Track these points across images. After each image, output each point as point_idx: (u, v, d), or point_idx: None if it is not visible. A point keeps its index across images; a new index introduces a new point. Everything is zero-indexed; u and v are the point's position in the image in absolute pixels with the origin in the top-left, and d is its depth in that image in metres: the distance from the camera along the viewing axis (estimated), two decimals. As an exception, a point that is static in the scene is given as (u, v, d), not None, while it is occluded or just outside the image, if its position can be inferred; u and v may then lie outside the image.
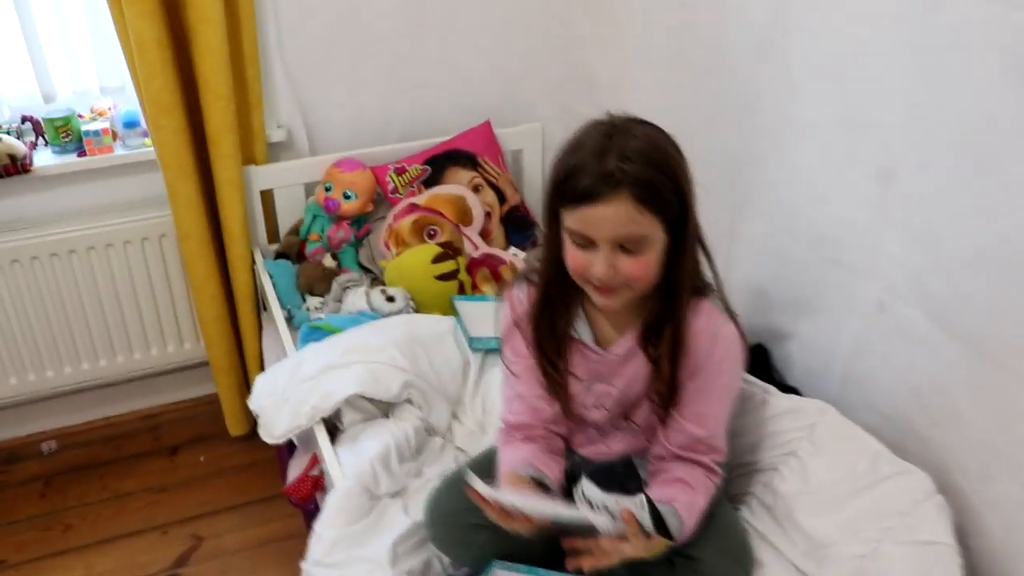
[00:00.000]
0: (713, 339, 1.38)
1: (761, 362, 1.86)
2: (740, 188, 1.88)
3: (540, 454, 1.46)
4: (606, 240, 1.27)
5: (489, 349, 1.96)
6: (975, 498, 1.48)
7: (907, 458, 1.52)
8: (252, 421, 2.54)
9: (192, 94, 2.21)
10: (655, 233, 1.28)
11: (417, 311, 2.15)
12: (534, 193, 2.69)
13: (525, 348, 1.47)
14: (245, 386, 2.51)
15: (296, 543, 2.15)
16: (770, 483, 1.58)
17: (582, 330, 1.45)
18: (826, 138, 1.63)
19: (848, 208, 1.61)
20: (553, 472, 1.45)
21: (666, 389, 1.40)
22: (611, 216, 1.24)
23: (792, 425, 1.60)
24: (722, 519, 1.47)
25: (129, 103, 2.33)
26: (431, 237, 2.31)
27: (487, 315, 2.06)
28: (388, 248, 2.33)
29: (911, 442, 1.58)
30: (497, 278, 2.35)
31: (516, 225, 2.52)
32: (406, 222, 2.32)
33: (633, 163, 1.24)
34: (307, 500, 1.80)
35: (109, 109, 2.40)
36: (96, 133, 2.30)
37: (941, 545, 1.40)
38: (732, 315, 1.43)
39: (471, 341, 1.95)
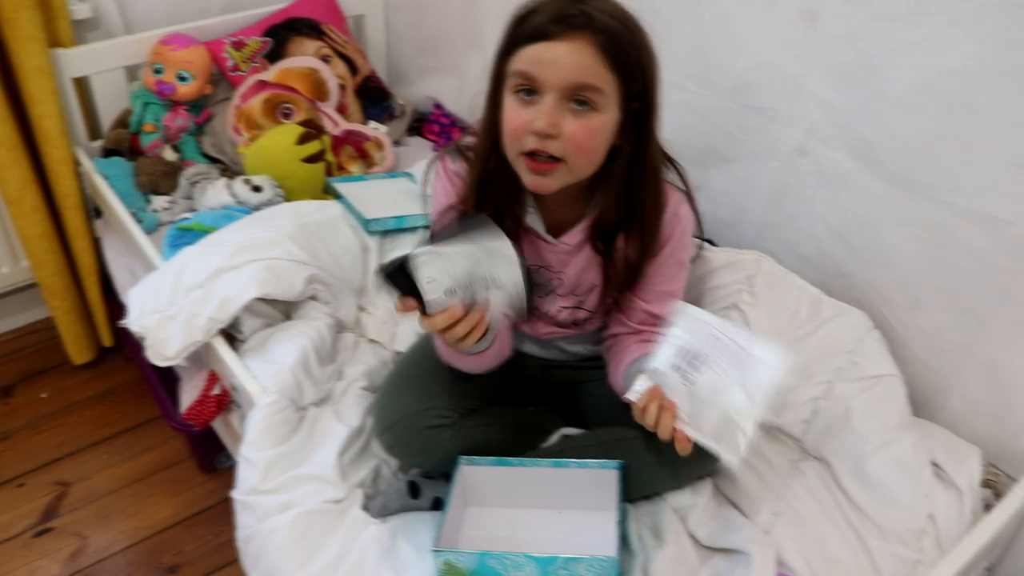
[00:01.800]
0: (672, 220, 1.31)
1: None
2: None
3: None
4: (555, 87, 1.11)
5: (387, 230, 1.80)
6: (901, 329, 1.53)
7: (833, 298, 1.55)
8: (98, 345, 2.25)
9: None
10: (609, 95, 1.14)
11: (287, 199, 1.93)
12: (380, 62, 2.48)
13: None
14: (83, 306, 2.19)
15: (181, 469, 1.97)
16: (714, 339, 1.56)
17: (531, 218, 1.31)
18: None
19: (769, 53, 1.56)
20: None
21: (623, 281, 1.32)
22: (567, 56, 1.10)
23: (731, 279, 1.58)
24: None
25: None
26: (286, 117, 2.07)
27: (373, 195, 1.91)
28: (239, 133, 2.07)
29: (835, 282, 1.61)
30: (363, 155, 2.16)
31: (371, 97, 2.31)
32: (256, 102, 2.06)
33: (601, 12, 1.11)
34: (207, 424, 1.60)
35: None
36: None
37: (889, 377, 1.45)
38: (688, 193, 1.35)
39: (367, 224, 1.77)
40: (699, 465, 1.35)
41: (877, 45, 1.40)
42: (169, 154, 2.06)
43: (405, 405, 1.34)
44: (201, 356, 1.60)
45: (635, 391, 1.15)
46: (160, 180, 2.02)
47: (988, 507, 1.37)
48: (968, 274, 1.41)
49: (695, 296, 1.59)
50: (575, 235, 1.31)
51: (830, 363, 1.47)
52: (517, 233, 1.30)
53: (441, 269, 1.09)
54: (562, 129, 1.14)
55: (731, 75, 1.64)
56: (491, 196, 1.28)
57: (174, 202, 1.99)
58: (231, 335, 1.58)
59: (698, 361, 1.14)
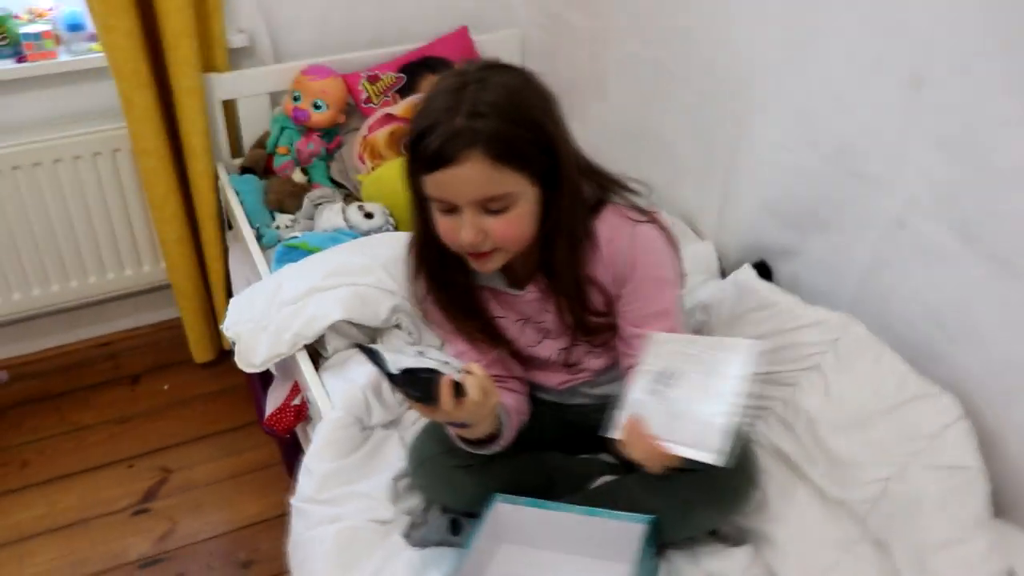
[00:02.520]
0: (630, 240, 1.29)
1: (763, 280, 1.78)
2: (747, 97, 1.76)
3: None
4: (467, 203, 1.15)
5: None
6: (995, 421, 1.43)
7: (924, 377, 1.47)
8: (218, 347, 2.42)
9: (144, -7, 2.01)
10: (520, 188, 1.17)
11: (397, 228, 2.02)
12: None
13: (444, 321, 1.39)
14: (210, 310, 2.36)
15: (271, 473, 2.08)
16: (790, 398, 1.51)
17: (490, 279, 1.34)
18: (851, 43, 1.51)
19: (873, 117, 1.51)
20: (511, 401, 1.38)
21: (586, 322, 1.33)
22: (466, 178, 1.12)
23: (816, 338, 1.52)
24: None
25: (69, 3, 2.11)
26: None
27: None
28: (362, 161, 2.18)
29: (928, 363, 1.51)
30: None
31: (496, 139, 2.37)
32: (382, 133, 2.17)
33: (484, 118, 1.11)
34: (288, 431, 1.69)
35: (49, 10, 2.18)
36: (36, 36, 2.09)
37: (969, 470, 1.35)
38: (645, 211, 1.32)
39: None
40: (715, 505, 1.32)
41: (984, 117, 1.33)
42: (298, 176, 2.20)
43: (434, 446, 1.38)
44: (288, 367, 1.69)
45: (614, 428, 1.16)
46: (286, 199, 2.15)
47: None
48: (1069, 369, 1.31)
49: (773, 347, 1.54)
50: (539, 282, 1.33)
51: (908, 445, 1.38)
52: (479, 298, 1.36)
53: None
54: (488, 232, 1.18)
55: (834, 138, 1.59)
56: (440, 283, 1.35)
57: (296, 221, 2.12)
58: (318, 352, 1.67)
59: (671, 379, 1.17)
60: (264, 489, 2.03)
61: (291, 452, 1.98)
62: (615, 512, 1.29)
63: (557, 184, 1.20)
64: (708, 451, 1.11)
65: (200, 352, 2.39)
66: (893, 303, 1.57)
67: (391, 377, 1.13)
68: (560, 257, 1.26)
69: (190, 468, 2.10)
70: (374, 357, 1.13)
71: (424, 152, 1.13)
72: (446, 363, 1.18)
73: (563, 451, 1.49)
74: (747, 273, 1.72)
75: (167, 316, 2.51)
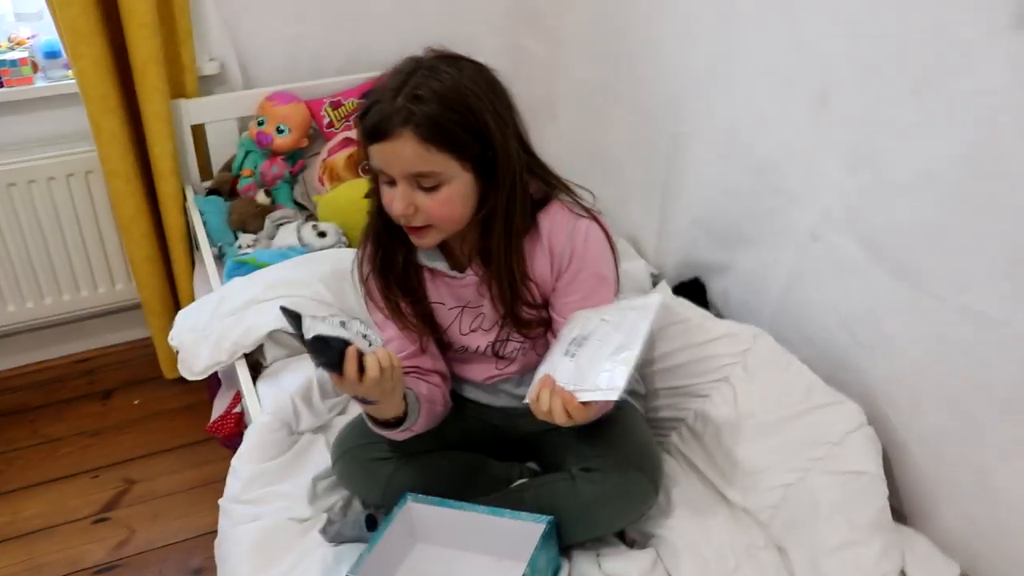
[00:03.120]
0: (570, 235, 1.34)
1: (698, 297, 1.82)
2: (682, 116, 1.82)
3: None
4: (399, 176, 1.23)
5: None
6: (903, 431, 1.45)
7: (839, 390, 1.50)
8: (188, 363, 2.48)
9: (115, 23, 2.11)
10: (450, 171, 1.23)
11: (350, 247, 2.08)
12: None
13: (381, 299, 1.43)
14: (180, 328, 2.43)
15: (230, 485, 2.13)
16: (701, 410, 1.55)
17: (431, 258, 1.39)
18: (765, 59, 1.57)
19: (788, 132, 1.56)
20: (424, 391, 1.40)
21: (518, 313, 1.38)
22: (397, 152, 1.20)
23: (726, 351, 1.56)
24: (624, 429, 1.42)
25: (49, 32, 2.22)
26: (366, 172, 2.23)
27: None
28: (322, 183, 2.26)
29: (843, 373, 1.55)
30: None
31: (458, 162, 2.45)
32: (340, 156, 2.25)
33: (422, 102, 1.18)
34: (231, 438, 1.75)
35: (29, 39, 2.29)
36: (13, 63, 2.20)
37: (867, 475, 1.38)
38: (588, 210, 1.38)
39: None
40: (615, 507, 1.35)
41: (880, 129, 1.37)
42: (261, 197, 2.28)
43: (356, 438, 1.44)
44: (231, 375, 1.76)
45: (529, 391, 1.22)
46: (249, 220, 2.23)
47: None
48: (964, 376, 1.33)
49: (687, 365, 1.59)
50: (478, 266, 1.37)
51: (810, 451, 1.41)
52: (420, 278, 1.41)
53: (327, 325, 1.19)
54: (419, 207, 1.25)
55: (756, 154, 1.64)
56: (384, 255, 1.40)
57: (257, 240, 2.20)
58: (258, 361, 1.73)
59: (584, 340, 1.24)
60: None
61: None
62: (517, 512, 1.33)
63: (494, 174, 1.26)
64: (607, 390, 1.16)
65: (169, 368, 2.46)
66: (811, 314, 1.60)
67: (303, 341, 1.17)
68: (495, 244, 1.32)
69: (152, 479, 2.16)
70: (294, 320, 1.17)
71: (365, 126, 1.22)
72: (364, 336, 1.22)
73: (479, 449, 1.53)
74: (663, 290, 1.77)
75: (142, 335, 2.59)
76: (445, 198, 1.25)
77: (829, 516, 1.34)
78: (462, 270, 1.39)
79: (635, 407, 1.55)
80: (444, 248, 1.39)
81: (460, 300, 1.42)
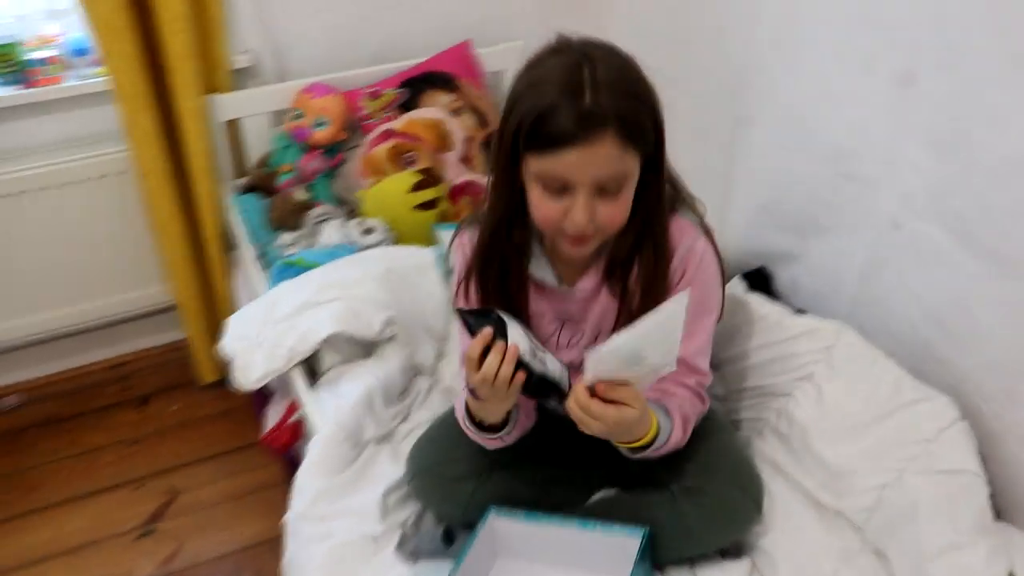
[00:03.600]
0: (689, 252, 1.27)
1: (763, 287, 1.75)
2: (744, 99, 1.75)
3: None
4: (587, 184, 1.13)
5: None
6: (996, 423, 1.39)
7: (926, 383, 1.43)
8: (224, 367, 2.42)
9: (147, 17, 2.03)
10: (634, 170, 1.15)
11: (397, 243, 2.01)
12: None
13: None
14: (216, 330, 2.36)
15: (276, 493, 2.06)
16: (784, 409, 1.49)
17: (542, 271, 1.31)
18: (839, 40, 1.49)
19: (864, 116, 1.48)
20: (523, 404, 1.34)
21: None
22: (596, 159, 1.10)
23: (808, 347, 1.49)
24: (724, 447, 1.37)
25: (78, 29, 2.14)
26: (409, 164, 2.16)
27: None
28: (364, 178, 2.19)
29: (928, 365, 1.48)
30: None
31: (499, 152, 2.37)
32: (382, 149, 2.17)
33: (612, 96, 1.09)
34: (286, 449, 1.68)
35: (57, 36, 2.22)
36: (42, 62, 2.12)
37: (967, 474, 1.32)
38: (706, 229, 1.31)
39: (448, 273, 1.82)
40: (719, 528, 1.30)
41: (974, 112, 1.30)
42: (301, 194, 2.20)
43: (433, 455, 1.38)
44: (287, 386, 1.69)
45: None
46: (289, 217, 2.16)
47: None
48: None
49: (766, 363, 1.52)
50: (590, 279, 1.30)
51: (904, 450, 1.35)
52: (526, 290, 1.32)
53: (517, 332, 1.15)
54: (597, 215, 1.16)
55: (825, 138, 1.57)
56: (498, 261, 1.29)
57: (299, 239, 2.12)
58: (313, 368, 1.66)
59: None
60: (267, 510, 2.02)
61: (292, 472, 1.98)
62: (610, 526, 1.27)
63: (655, 166, 1.18)
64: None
65: (206, 372, 2.40)
66: (891, 305, 1.53)
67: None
68: (646, 254, 1.25)
69: (197, 488, 2.11)
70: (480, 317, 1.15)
71: (548, 132, 1.10)
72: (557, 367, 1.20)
73: (561, 462, 1.47)
74: (736, 287, 1.70)
75: (175, 337, 2.52)
76: (623, 202, 1.16)
77: (930, 518, 1.28)
78: (572, 284, 1.31)
79: (727, 423, 1.48)
80: (552, 260, 1.30)
81: (562, 315, 1.35)
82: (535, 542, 1.32)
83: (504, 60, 2.49)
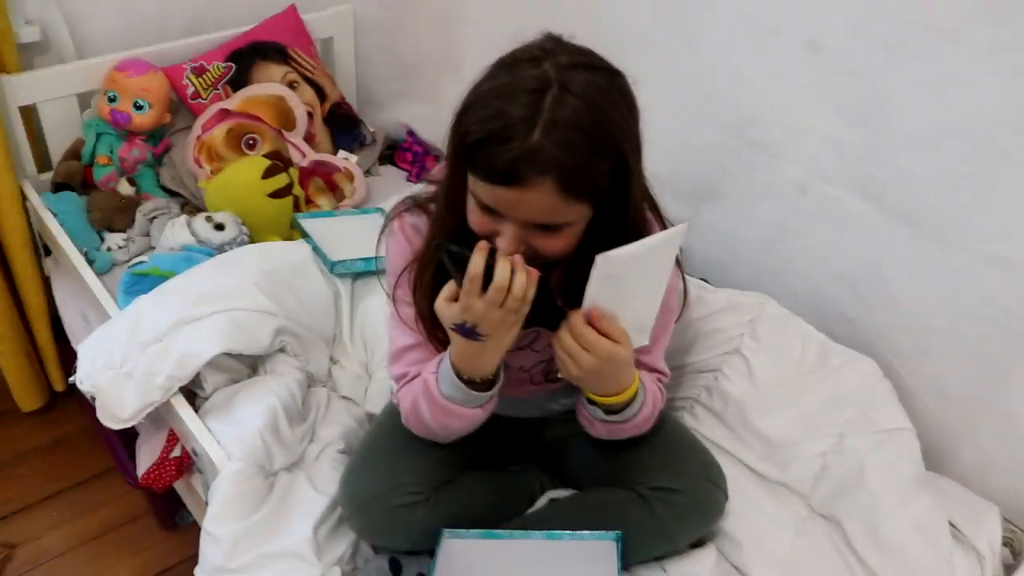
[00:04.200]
0: None
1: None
2: (634, 68, 1.68)
3: None
4: (517, 222, 1.02)
5: (357, 273, 1.68)
6: (909, 378, 1.46)
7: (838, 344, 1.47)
8: (48, 391, 2.11)
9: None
10: (581, 215, 1.04)
11: (251, 238, 1.81)
12: (350, 87, 2.36)
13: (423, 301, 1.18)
14: (33, 349, 2.04)
15: (138, 528, 1.84)
16: (714, 386, 1.48)
17: None
18: (745, 11, 1.46)
19: (770, 85, 1.47)
20: None
21: None
22: (529, 203, 0.99)
23: (731, 322, 1.49)
24: (682, 440, 1.33)
25: None
26: (250, 147, 1.95)
27: (343, 233, 1.79)
28: (200, 165, 1.94)
29: (838, 327, 1.52)
30: (333, 188, 2.04)
31: (341, 125, 2.19)
32: (218, 132, 1.94)
33: (562, 143, 0.95)
34: (169, 487, 1.47)
35: None
36: None
37: (903, 431, 1.37)
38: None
39: (332, 266, 1.66)
40: (693, 524, 1.27)
41: (888, 80, 1.32)
42: (124, 188, 1.93)
43: (373, 484, 1.23)
44: (160, 414, 1.47)
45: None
46: (115, 216, 1.88)
47: (1008, 568, 1.29)
48: (982, 320, 1.33)
49: (691, 338, 1.51)
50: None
51: (840, 415, 1.38)
52: None
53: None
54: (533, 246, 1.04)
55: (729, 108, 1.55)
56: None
57: (130, 240, 1.86)
58: (192, 392, 1.45)
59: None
60: (132, 547, 1.79)
61: (161, 499, 1.76)
62: (579, 532, 1.20)
63: (618, 208, 1.06)
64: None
65: (26, 399, 2.06)
66: (800, 270, 1.56)
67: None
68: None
69: (38, 538, 1.80)
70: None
71: (487, 161, 0.97)
72: None
73: (504, 468, 1.38)
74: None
75: (-23, 361, 2.16)
76: (564, 238, 1.04)
77: (877, 478, 1.31)
78: None
79: (671, 413, 1.43)
80: None
81: None
82: (498, 560, 1.23)
83: (334, 25, 2.30)
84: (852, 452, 1.34)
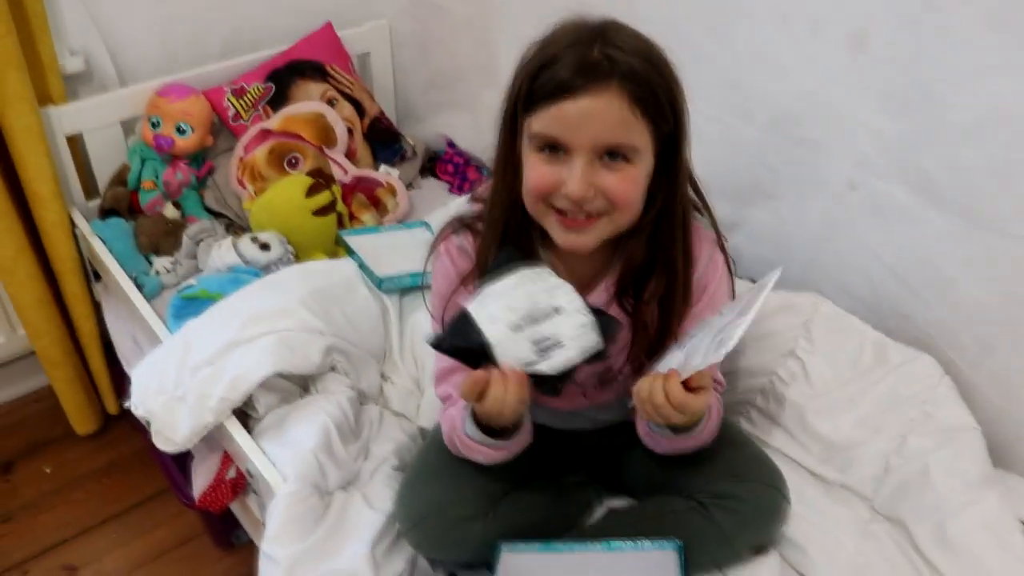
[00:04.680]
0: (710, 261, 1.19)
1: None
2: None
3: None
4: (586, 146, 1.00)
5: (404, 288, 1.68)
6: (972, 373, 1.41)
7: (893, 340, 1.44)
8: (102, 414, 2.14)
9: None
10: (645, 146, 1.03)
11: (297, 257, 1.82)
12: (388, 101, 2.37)
13: None
14: (87, 374, 2.07)
15: (197, 546, 1.86)
16: (770, 389, 1.45)
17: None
18: (785, 6, 1.43)
19: (813, 81, 1.45)
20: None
21: (654, 341, 1.18)
22: (597, 112, 0.98)
23: (785, 324, 1.46)
24: (743, 446, 1.31)
25: None
26: (292, 166, 1.96)
27: (388, 248, 1.79)
28: (243, 186, 1.96)
29: (893, 323, 1.49)
30: (376, 203, 2.04)
31: (380, 140, 2.19)
32: (260, 152, 1.95)
33: (625, 53, 0.98)
34: (225, 508, 1.48)
35: None
36: None
37: (967, 428, 1.33)
38: (720, 238, 1.23)
39: (379, 282, 1.66)
40: (755, 531, 1.24)
41: (937, 70, 1.29)
42: (170, 211, 1.95)
43: (429, 498, 1.23)
44: (214, 435, 1.48)
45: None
46: (161, 240, 1.90)
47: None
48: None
49: (745, 342, 1.47)
50: (600, 294, 1.18)
51: (902, 415, 1.35)
52: None
53: (500, 306, 1.02)
54: (600, 187, 1.03)
55: (772, 106, 1.53)
56: (518, 243, 1.15)
57: (177, 263, 1.88)
58: (245, 413, 1.46)
59: (698, 331, 1.06)
60: (190, 567, 1.81)
61: (217, 519, 1.76)
62: (638, 542, 1.18)
63: (673, 160, 1.06)
64: (714, 353, 1.00)
65: (81, 423, 2.09)
66: (852, 267, 1.53)
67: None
68: (666, 255, 1.12)
69: (98, 560, 1.83)
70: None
71: (547, 81, 0.98)
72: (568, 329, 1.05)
73: (560, 478, 1.36)
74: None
75: (34, 386, 2.19)
76: (634, 177, 1.03)
77: (943, 478, 1.28)
78: (584, 292, 1.16)
79: (729, 420, 1.41)
80: (558, 270, 1.13)
81: None
82: (557, 572, 1.21)
83: (371, 41, 2.31)
84: (915, 452, 1.31)
